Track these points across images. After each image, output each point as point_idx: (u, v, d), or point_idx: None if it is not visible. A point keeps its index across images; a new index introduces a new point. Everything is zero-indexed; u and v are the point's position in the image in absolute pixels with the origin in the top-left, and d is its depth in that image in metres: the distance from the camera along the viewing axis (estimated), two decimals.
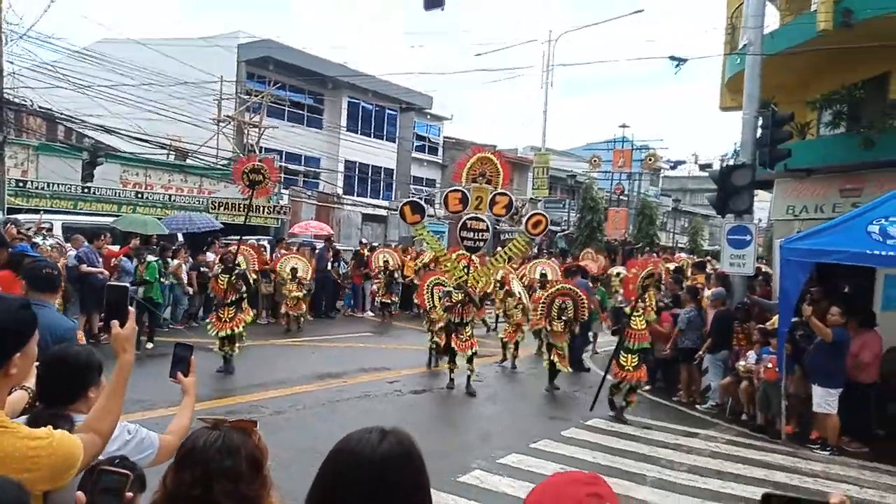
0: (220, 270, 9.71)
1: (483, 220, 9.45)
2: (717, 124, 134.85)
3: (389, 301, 15.85)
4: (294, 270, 13.53)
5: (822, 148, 10.98)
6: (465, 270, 9.47)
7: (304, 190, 25.98)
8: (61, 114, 17.52)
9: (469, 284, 9.41)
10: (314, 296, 15.85)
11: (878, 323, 7.85)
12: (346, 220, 26.72)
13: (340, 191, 27.68)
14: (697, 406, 9.22)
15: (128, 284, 2.62)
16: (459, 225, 9.44)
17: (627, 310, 8.41)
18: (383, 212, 28.07)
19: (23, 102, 16.11)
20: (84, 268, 10.32)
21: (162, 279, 11.63)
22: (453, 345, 9.24)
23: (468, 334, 9.29)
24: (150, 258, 11.10)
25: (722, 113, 15.08)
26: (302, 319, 13.74)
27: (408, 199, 9.11)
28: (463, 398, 8.92)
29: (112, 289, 2.27)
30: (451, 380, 9.33)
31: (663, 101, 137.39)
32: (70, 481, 1.75)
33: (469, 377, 9.21)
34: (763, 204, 17.15)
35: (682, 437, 7.73)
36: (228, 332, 9.15)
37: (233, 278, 9.36)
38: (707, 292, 10.00)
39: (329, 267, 16.05)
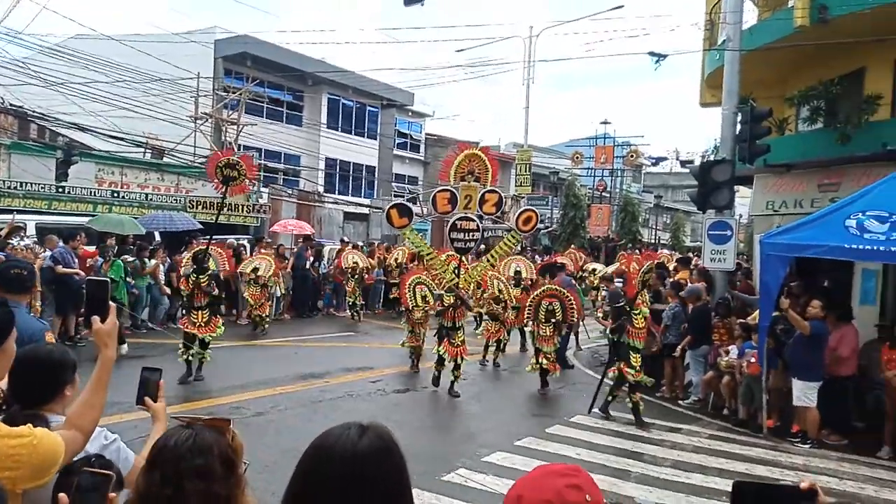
0: (190, 270, 9.06)
1: (473, 220, 9.17)
2: (698, 121, 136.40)
3: (357, 302, 15.42)
4: (255, 270, 13.10)
5: (800, 143, 11.08)
6: (456, 272, 9.18)
7: (285, 188, 25.73)
8: (33, 111, 17.15)
9: (460, 287, 9.16)
10: (294, 295, 15.70)
11: (854, 317, 7.94)
12: (328, 219, 26.51)
13: (321, 189, 27.46)
14: (680, 402, 9.27)
15: (108, 279, 2.55)
16: (449, 226, 9.08)
17: (628, 307, 8.04)
18: (365, 210, 27.90)
19: None
20: (60, 269, 10.11)
21: (129, 278, 11.37)
22: (442, 350, 8.90)
23: (460, 339, 8.95)
24: (128, 258, 10.93)
25: (702, 109, 15.16)
26: (267, 320, 13.27)
27: (394, 202, 8.68)
28: (447, 397, 8.88)
29: (92, 283, 2.20)
30: (437, 377, 9.12)
31: (644, 97, 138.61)
32: (49, 480, 1.72)
33: (453, 382, 8.98)
34: (744, 200, 17.31)
35: (665, 432, 7.76)
36: (202, 336, 8.70)
37: (203, 279, 8.79)
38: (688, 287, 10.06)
39: (308, 266, 15.89)
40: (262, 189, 22.87)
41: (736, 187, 11.04)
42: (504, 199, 9.97)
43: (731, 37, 10.10)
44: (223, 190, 8.28)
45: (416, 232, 8.95)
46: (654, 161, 38.31)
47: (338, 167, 29.38)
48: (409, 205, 9.78)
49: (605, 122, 32.99)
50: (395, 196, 32.27)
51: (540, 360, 9.31)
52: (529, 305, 9.43)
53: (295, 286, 15.68)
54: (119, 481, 1.80)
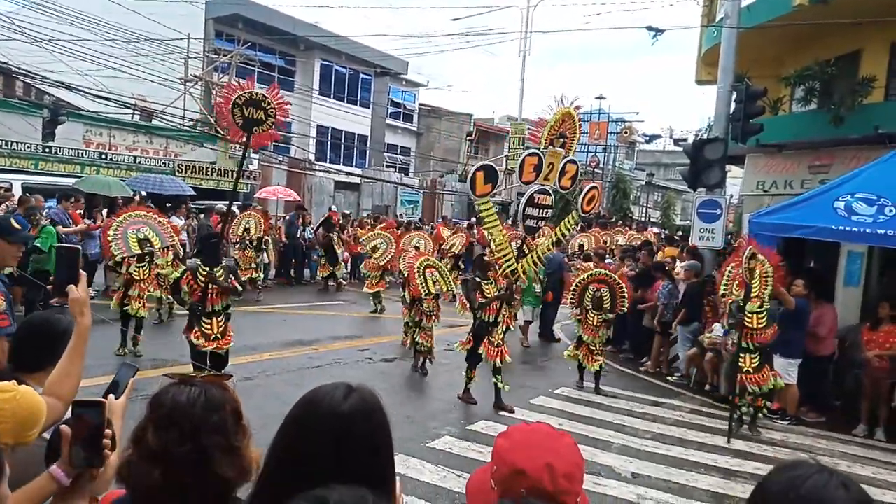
0: (196, 262, 6.30)
1: (550, 195, 7.55)
2: (693, 99, 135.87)
3: (328, 273, 15.05)
4: (247, 230, 12.88)
5: (793, 124, 11.08)
6: (518, 256, 7.36)
7: (276, 155, 25.46)
8: (19, 69, 16.76)
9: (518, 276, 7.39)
10: (283, 263, 15.64)
11: (838, 297, 8.05)
12: (318, 187, 26.32)
13: (312, 157, 27.20)
14: (668, 378, 9.40)
15: (79, 246, 2.52)
16: (525, 199, 7.40)
17: (742, 303, 6.74)
18: (356, 179, 27.71)
19: None
20: (60, 229, 9.94)
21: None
22: (482, 350, 7.29)
23: (500, 338, 7.35)
24: (45, 223, 9.29)
25: (697, 87, 15.09)
26: (260, 286, 13.11)
27: (481, 163, 6.99)
28: (434, 367, 8.89)
29: (63, 250, 2.14)
30: (468, 386, 7.53)
31: (640, 73, 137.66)
32: (34, 442, 1.73)
33: (499, 390, 7.27)
34: (735, 179, 17.37)
35: (647, 406, 7.90)
36: (221, 350, 6.59)
37: (219, 272, 6.32)
38: (679, 266, 10.12)
39: (298, 234, 15.82)
40: (253, 155, 22.63)
41: (728, 167, 11.06)
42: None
43: (729, 13, 10.02)
44: (243, 138, 5.84)
45: (491, 205, 7.16)
46: (647, 138, 38.24)
47: (329, 135, 29.09)
48: (498, 169, 8.17)
49: (599, 98, 32.90)
50: (388, 166, 32.12)
51: (578, 353, 8.35)
52: (574, 289, 8.42)
53: (285, 254, 15.62)
54: None
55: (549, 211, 7.67)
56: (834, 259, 9.02)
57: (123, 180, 15.35)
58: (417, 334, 8.49)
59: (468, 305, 7.50)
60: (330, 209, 19.42)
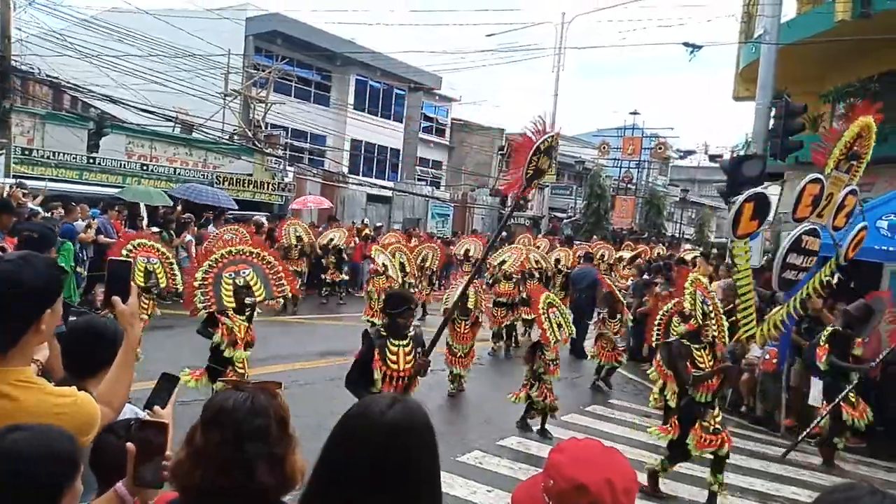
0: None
1: (819, 237, 5.82)
2: (729, 115, 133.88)
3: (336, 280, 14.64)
4: (299, 238, 13.42)
5: None
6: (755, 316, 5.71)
7: (310, 168, 25.88)
8: (68, 83, 17.40)
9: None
10: (315, 273, 15.81)
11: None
12: (351, 200, 26.62)
13: (346, 169, 27.57)
14: None
15: (130, 260, 2.57)
16: (789, 242, 5.59)
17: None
18: (388, 192, 27.97)
19: (30, 70, 16.00)
20: (102, 238, 10.29)
21: (79, 268, 9.66)
22: (692, 440, 5.37)
23: (716, 422, 5.54)
24: (155, 230, 10.76)
25: (734, 103, 14.95)
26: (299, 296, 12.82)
27: (752, 192, 5.21)
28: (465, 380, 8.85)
29: (114, 263, 2.19)
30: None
31: (675, 89, 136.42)
32: (88, 442, 1.80)
33: None
34: (773, 196, 17.03)
35: None
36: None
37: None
38: (714, 284, 9.94)
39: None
40: (288, 168, 23.05)
41: (765, 184, 10.88)
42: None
43: (768, 30, 9.91)
44: (521, 191, 4.65)
45: (748, 248, 5.58)
46: (682, 154, 37.80)
47: (363, 149, 29.46)
48: (771, 197, 6.00)
49: (634, 113, 32.64)
50: (419, 180, 32.34)
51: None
52: (659, 323, 7.21)
53: (317, 264, 15.81)
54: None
55: (814, 259, 5.79)
56: (877, 280, 8.78)
57: (165, 191, 15.77)
58: (535, 388, 6.79)
59: (673, 378, 5.76)
60: (363, 221, 19.64)
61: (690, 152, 37.91)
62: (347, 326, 12.12)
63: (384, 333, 4.53)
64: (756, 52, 10.90)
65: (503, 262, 11.00)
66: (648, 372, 7.92)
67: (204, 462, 1.41)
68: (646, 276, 11.47)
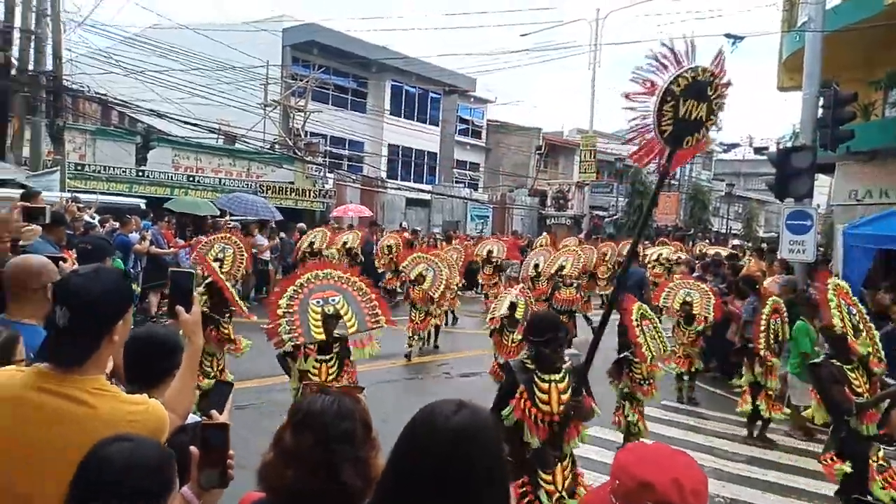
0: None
1: None
2: (773, 106, 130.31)
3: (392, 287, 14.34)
4: (345, 244, 13.52)
5: (887, 129, 10.47)
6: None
7: (349, 174, 26.20)
8: (115, 99, 18.02)
9: None
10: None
11: None
12: (390, 205, 26.85)
13: (384, 175, 27.82)
14: None
15: (193, 270, 2.63)
16: None
17: None
18: (427, 196, 28.11)
19: (80, 88, 16.62)
20: (154, 249, 10.63)
21: (133, 284, 9.68)
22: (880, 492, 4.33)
23: None
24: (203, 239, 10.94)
25: (779, 94, 14.52)
26: None
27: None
28: None
29: (177, 274, 2.25)
30: None
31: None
32: None
33: None
34: (821, 188, 16.52)
35: (737, 427, 7.54)
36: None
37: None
38: (768, 280, 9.66)
39: (372, 251, 16.14)
40: (328, 175, 23.38)
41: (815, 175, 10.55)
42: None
43: (813, 17, 9.59)
44: (663, 154, 3.39)
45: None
46: (725, 148, 36.87)
47: (400, 153, 29.67)
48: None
49: None
50: (457, 182, 32.39)
51: (759, 403, 6.80)
52: (763, 329, 6.79)
53: (361, 271, 15.91)
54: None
55: None
56: None
57: (211, 201, 16.16)
58: (629, 408, 6.01)
59: (825, 404, 4.67)
60: (401, 226, 19.76)
61: (735, 145, 36.86)
62: (398, 331, 12.18)
63: (530, 366, 3.64)
64: (800, 40, 10.56)
65: (561, 267, 10.36)
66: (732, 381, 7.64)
67: (294, 463, 1.44)
68: (696, 275, 11.22)
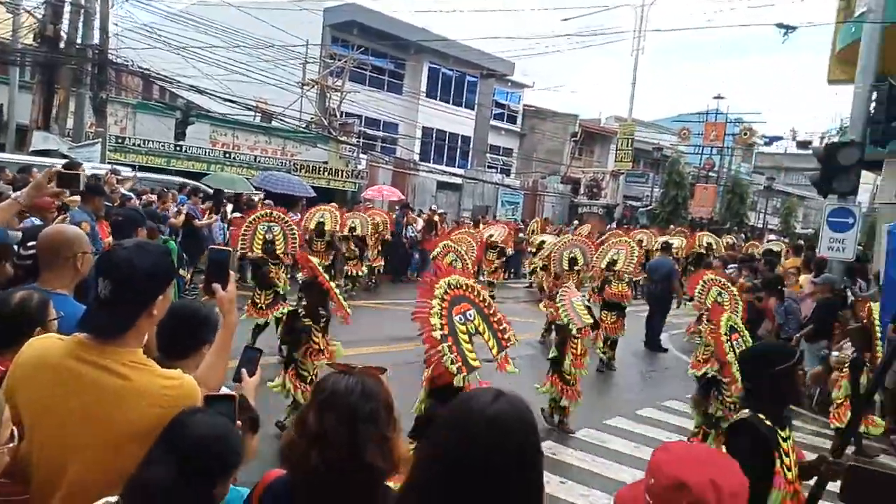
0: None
1: None
2: (819, 99, 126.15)
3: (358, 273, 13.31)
4: (353, 229, 12.70)
5: None
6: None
7: (382, 156, 26.25)
8: (158, 74, 18.31)
9: None
10: (388, 260, 15.94)
11: None
12: (421, 187, 26.85)
13: (417, 157, 27.80)
14: None
15: (230, 249, 2.66)
16: None
17: None
18: (458, 180, 28.03)
19: (124, 62, 16.92)
20: (197, 222, 10.89)
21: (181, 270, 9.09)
22: None
23: None
24: (238, 215, 11.14)
25: (825, 87, 14.05)
26: (359, 281, 12.98)
27: None
28: (535, 372, 8.79)
29: (214, 251, 2.27)
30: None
31: (763, 72, 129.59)
32: None
33: None
34: (864, 186, 16.00)
35: None
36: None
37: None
38: (803, 277, 9.44)
39: (403, 232, 16.19)
40: (361, 156, 23.47)
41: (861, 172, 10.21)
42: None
43: (873, 7, 9.22)
44: None
45: None
46: (767, 140, 35.87)
47: (434, 136, 29.59)
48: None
49: (718, 97, 31.22)
50: (489, 167, 32.21)
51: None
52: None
53: (389, 251, 15.99)
54: (254, 423, 1.97)
55: None
56: None
57: (247, 178, 16.37)
58: (713, 438, 5.09)
59: None
60: (430, 209, 19.74)
61: (777, 138, 35.79)
62: (397, 310, 12.24)
63: (768, 421, 2.58)
64: (857, 31, 10.18)
65: (613, 261, 9.70)
66: None
67: (319, 443, 1.46)
68: (731, 268, 11.03)
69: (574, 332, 6.19)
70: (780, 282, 9.36)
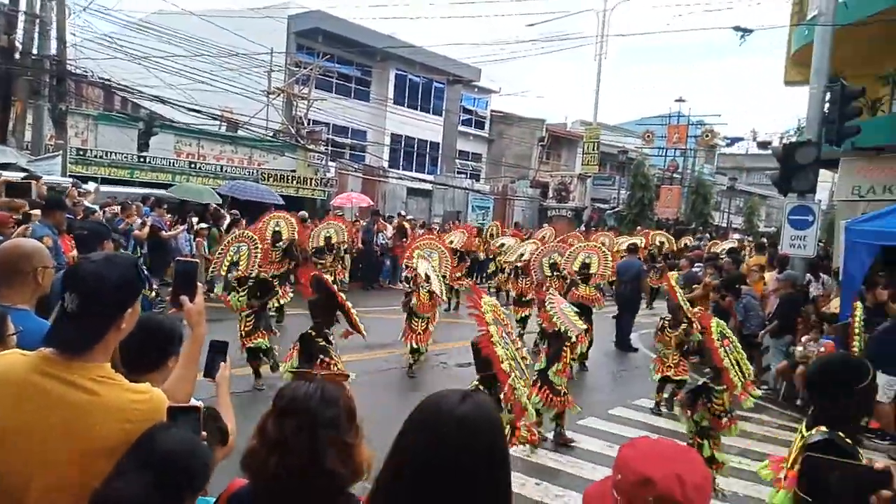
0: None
1: None
2: (778, 100, 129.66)
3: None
4: (328, 239, 12.72)
5: (893, 125, 10.43)
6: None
7: (351, 163, 26.15)
8: (118, 84, 17.98)
9: None
10: (356, 267, 15.89)
11: None
12: (392, 194, 26.82)
13: (386, 164, 27.76)
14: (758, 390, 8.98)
15: (197, 260, 2.63)
16: None
17: None
18: (428, 186, 28.07)
19: (83, 73, 16.58)
20: (164, 233, 10.72)
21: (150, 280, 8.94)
22: None
23: None
24: (203, 226, 11.18)
25: (784, 88, 14.47)
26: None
27: None
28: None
29: (181, 263, 2.25)
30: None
31: (722, 75, 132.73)
32: None
33: None
34: (823, 184, 16.51)
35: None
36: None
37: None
38: (768, 275, 9.69)
39: (374, 239, 16.14)
40: (330, 163, 23.34)
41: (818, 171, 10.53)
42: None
43: (823, 11, 9.54)
44: None
45: None
46: (729, 142, 36.74)
47: (403, 143, 29.60)
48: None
49: (679, 100, 31.87)
50: (459, 173, 32.32)
51: None
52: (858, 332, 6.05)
53: (360, 259, 15.95)
54: (223, 434, 1.95)
55: None
56: None
57: (214, 188, 16.15)
58: (708, 447, 5.11)
59: None
60: (399, 214, 19.73)
61: (738, 139, 36.71)
62: (397, 321, 12.19)
63: (848, 440, 2.48)
64: (809, 34, 10.52)
65: (586, 265, 9.65)
66: None
67: (279, 449, 1.45)
68: (697, 267, 11.26)
69: (573, 339, 6.11)
70: (736, 281, 9.59)
